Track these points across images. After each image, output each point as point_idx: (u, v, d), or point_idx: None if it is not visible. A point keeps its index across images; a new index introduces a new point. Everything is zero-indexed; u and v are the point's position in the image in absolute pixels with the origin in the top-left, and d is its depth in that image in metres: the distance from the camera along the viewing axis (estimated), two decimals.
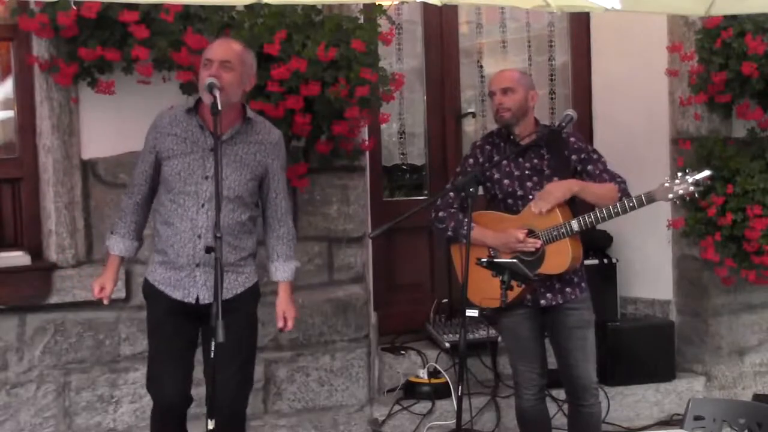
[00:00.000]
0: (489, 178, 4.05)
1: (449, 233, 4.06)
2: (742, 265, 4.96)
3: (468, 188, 3.64)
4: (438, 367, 5.05)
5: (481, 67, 5.71)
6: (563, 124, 3.96)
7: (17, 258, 4.27)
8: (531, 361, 4.07)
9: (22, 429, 4.31)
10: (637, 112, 5.43)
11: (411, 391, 5.00)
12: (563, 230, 3.88)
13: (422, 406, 4.91)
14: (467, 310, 3.55)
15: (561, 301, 4.01)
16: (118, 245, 3.72)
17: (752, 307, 5.38)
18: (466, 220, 3.85)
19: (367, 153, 4.83)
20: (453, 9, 5.47)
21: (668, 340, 5.32)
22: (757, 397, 5.18)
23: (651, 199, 3.81)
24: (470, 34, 5.70)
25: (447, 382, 4.98)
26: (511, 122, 4.02)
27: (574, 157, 4.01)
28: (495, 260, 3.65)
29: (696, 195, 3.86)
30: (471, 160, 4.14)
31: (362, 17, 4.36)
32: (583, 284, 4.08)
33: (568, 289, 4.02)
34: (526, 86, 4.05)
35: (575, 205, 3.98)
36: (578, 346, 4.03)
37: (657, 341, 5.25)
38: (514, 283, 3.69)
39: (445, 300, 5.42)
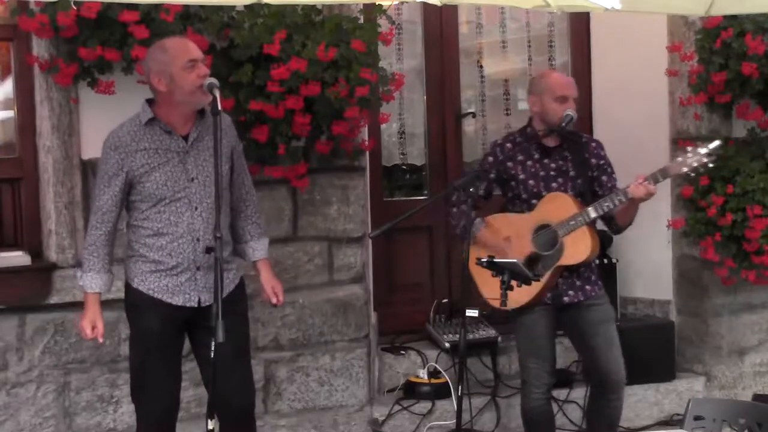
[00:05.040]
0: (513, 178, 4.09)
1: (458, 231, 4.11)
2: (742, 265, 4.96)
3: (468, 188, 3.65)
4: (438, 367, 5.04)
5: (481, 67, 5.71)
6: (563, 124, 3.98)
7: (17, 258, 4.27)
8: (543, 359, 4.10)
9: (22, 429, 4.31)
10: (637, 112, 5.43)
11: (411, 391, 5.00)
12: (580, 219, 3.92)
13: (422, 406, 4.91)
14: (467, 310, 3.55)
15: (582, 299, 4.07)
16: (96, 282, 3.54)
17: (752, 307, 5.38)
18: (476, 219, 3.96)
19: (367, 153, 4.83)
20: (453, 9, 5.47)
21: (668, 340, 5.32)
22: (757, 397, 5.17)
23: (665, 174, 3.85)
24: (470, 34, 5.70)
25: (447, 382, 4.97)
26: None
27: (593, 161, 4.09)
28: (495, 260, 3.65)
29: (710, 165, 3.87)
30: (491, 159, 4.18)
31: (362, 17, 4.37)
32: (599, 282, 4.15)
33: (587, 287, 4.09)
34: None
35: (587, 201, 4.02)
36: (608, 341, 4.08)
37: (657, 341, 5.25)
38: (514, 283, 3.69)
39: (445, 300, 5.42)
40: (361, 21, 4.35)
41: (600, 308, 4.10)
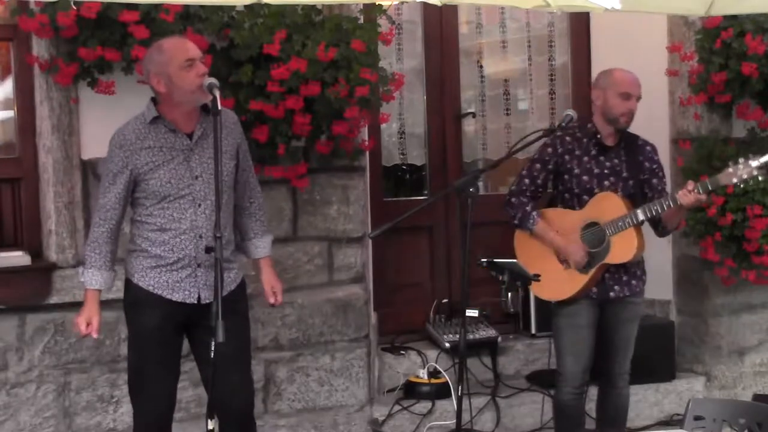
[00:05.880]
0: (568, 172, 4.14)
1: (515, 222, 4.17)
2: (742, 265, 4.96)
3: (468, 188, 3.65)
4: (438, 367, 5.04)
5: (481, 67, 5.71)
6: (563, 124, 3.98)
7: (17, 258, 4.27)
8: (580, 354, 4.14)
9: (22, 429, 4.31)
10: (637, 112, 5.42)
11: (411, 391, 5.00)
12: (628, 220, 3.99)
13: (422, 406, 4.91)
14: (467, 310, 3.55)
15: (627, 294, 4.15)
16: (96, 279, 3.53)
17: (752, 307, 5.38)
18: (533, 213, 4.11)
19: (367, 153, 4.83)
20: (453, 9, 5.47)
21: (668, 340, 5.31)
22: (757, 397, 5.17)
23: (715, 183, 3.92)
24: (470, 34, 5.70)
25: (447, 382, 4.97)
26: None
27: (646, 164, 4.16)
28: (495, 260, 3.66)
29: (760, 178, 3.94)
30: (550, 150, 4.20)
31: (362, 17, 4.37)
32: (644, 276, 4.23)
33: (633, 282, 4.16)
34: None
35: (637, 202, 4.08)
36: (627, 338, 4.20)
37: (657, 341, 5.24)
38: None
39: (445, 300, 5.42)
40: (361, 21, 4.35)
41: (634, 307, 4.20)
